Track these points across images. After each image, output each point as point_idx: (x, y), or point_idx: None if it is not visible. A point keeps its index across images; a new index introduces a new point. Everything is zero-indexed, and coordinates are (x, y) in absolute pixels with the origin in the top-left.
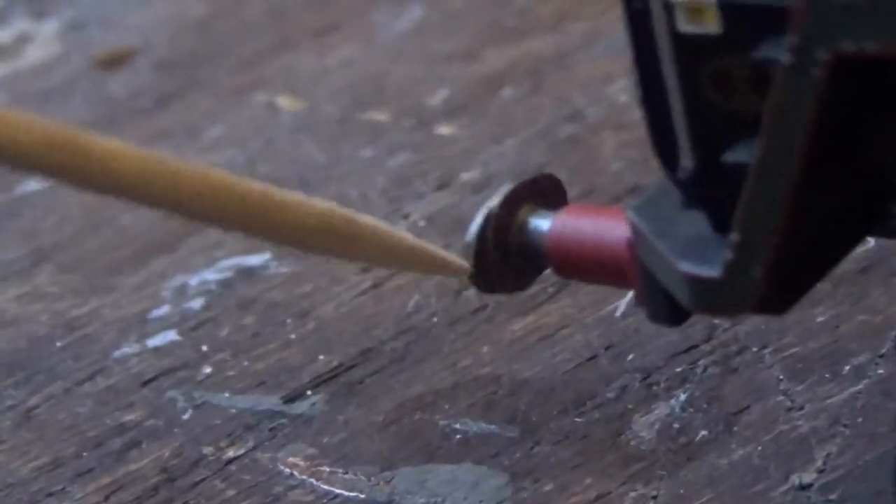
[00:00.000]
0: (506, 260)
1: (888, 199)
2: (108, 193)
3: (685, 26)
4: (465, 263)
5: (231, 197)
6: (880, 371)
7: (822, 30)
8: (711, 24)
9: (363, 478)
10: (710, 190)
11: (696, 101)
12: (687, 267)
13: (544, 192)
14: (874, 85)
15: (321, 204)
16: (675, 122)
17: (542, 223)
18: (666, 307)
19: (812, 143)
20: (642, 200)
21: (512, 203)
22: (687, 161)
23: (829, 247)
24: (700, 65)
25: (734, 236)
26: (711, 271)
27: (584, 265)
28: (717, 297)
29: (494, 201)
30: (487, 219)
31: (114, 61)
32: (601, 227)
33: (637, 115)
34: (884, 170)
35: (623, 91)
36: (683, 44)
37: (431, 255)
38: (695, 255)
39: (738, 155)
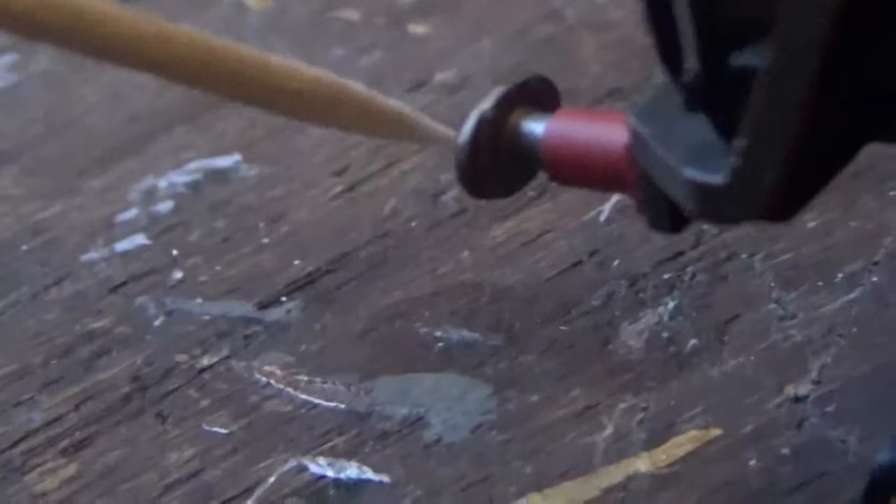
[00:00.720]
0: (498, 164)
1: None
2: (98, 55)
3: None
4: (455, 134)
5: (221, 58)
6: (874, 279)
7: None
8: None
9: (342, 387)
10: (716, 94)
11: (703, 2)
12: (691, 173)
13: (537, 94)
14: None
15: (312, 69)
16: (681, 23)
17: (537, 127)
18: (666, 214)
19: (827, 46)
20: (643, 104)
21: (505, 106)
22: (692, 64)
23: (836, 152)
24: None
25: (742, 142)
26: (717, 178)
27: (580, 170)
28: (722, 205)
29: (487, 104)
30: (480, 122)
31: None
32: (598, 131)
33: (617, 15)
34: None
35: None
36: None
37: (422, 123)
38: (699, 160)
39: (746, 58)
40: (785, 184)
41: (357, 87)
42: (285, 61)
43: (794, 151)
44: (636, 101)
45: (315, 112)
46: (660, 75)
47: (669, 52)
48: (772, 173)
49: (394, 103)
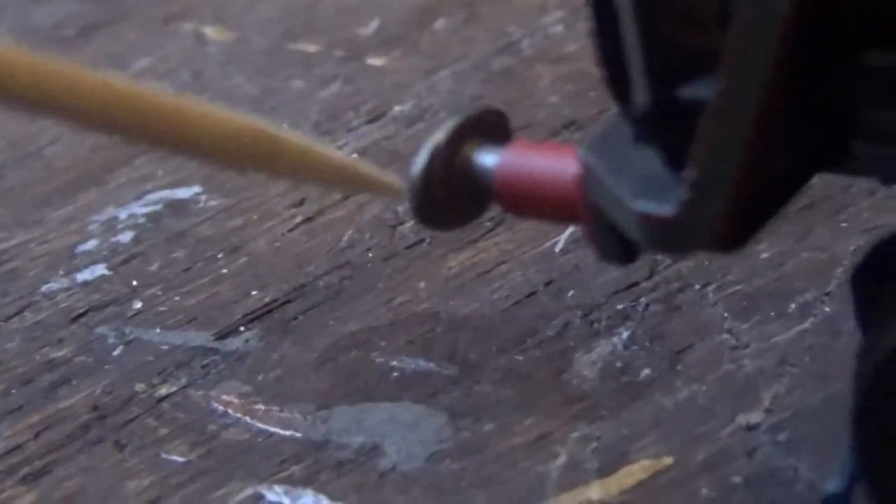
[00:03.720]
0: (451, 196)
1: (848, 135)
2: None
3: None
4: (399, 182)
5: (146, 109)
6: (826, 309)
7: None
8: None
9: (299, 416)
10: (665, 126)
11: (652, 36)
12: (641, 205)
13: (489, 126)
14: (839, 21)
15: (242, 119)
16: (630, 56)
17: (489, 159)
18: (617, 245)
19: (774, 79)
20: (593, 137)
21: (457, 138)
22: (641, 97)
23: (785, 183)
24: None
25: (690, 174)
26: (666, 209)
27: (532, 202)
28: (672, 236)
29: (439, 136)
30: (433, 154)
31: None
32: (549, 163)
33: (573, 47)
34: (845, 106)
35: (559, 22)
36: None
37: (365, 174)
38: (649, 192)
39: (694, 91)
40: (734, 214)
41: (293, 136)
42: (214, 109)
43: (742, 182)
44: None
45: (246, 163)
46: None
47: (619, 85)
48: (720, 204)
49: (334, 152)
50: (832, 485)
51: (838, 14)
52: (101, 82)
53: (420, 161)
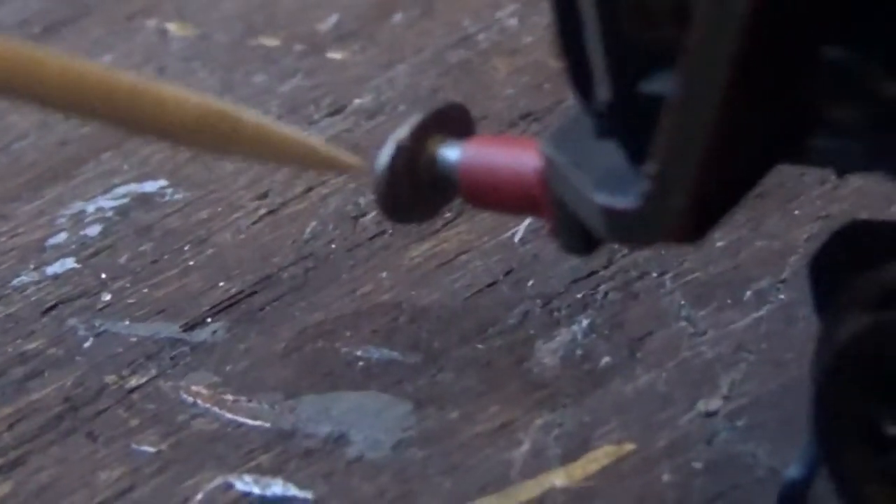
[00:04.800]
0: (416, 191)
1: (806, 128)
2: None
3: None
4: (358, 160)
5: (105, 88)
6: (782, 296)
7: None
8: None
9: (267, 406)
10: (626, 120)
11: (613, 31)
12: (603, 198)
13: (452, 121)
14: (797, 16)
15: (199, 98)
16: (591, 51)
17: (452, 153)
18: (578, 237)
19: (734, 74)
20: (554, 130)
21: (421, 133)
22: (602, 91)
23: (744, 175)
24: None
25: (652, 167)
26: (628, 202)
27: (495, 195)
28: (632, 228)
29: (403, 131)
30: (397, 150)
31: None
32: (512, 156)
33: (528, 40)
34: (804, 99)
35: (513, 16)
36: None
37: (324, 151)
38: (610, 185)
39: (655, 85)
40: (694, 207)
41: (252, 114)
42: (173, 89)
43: (702, 176)
44: (549, 125)
45: (206, 142)
46: (572, 99)
47: (580, 79)
48: (681, 197)
49: (293, 130)
50: (792, 470)
51: (796, 10)
52: (61, 62)
53: (384, 156)
